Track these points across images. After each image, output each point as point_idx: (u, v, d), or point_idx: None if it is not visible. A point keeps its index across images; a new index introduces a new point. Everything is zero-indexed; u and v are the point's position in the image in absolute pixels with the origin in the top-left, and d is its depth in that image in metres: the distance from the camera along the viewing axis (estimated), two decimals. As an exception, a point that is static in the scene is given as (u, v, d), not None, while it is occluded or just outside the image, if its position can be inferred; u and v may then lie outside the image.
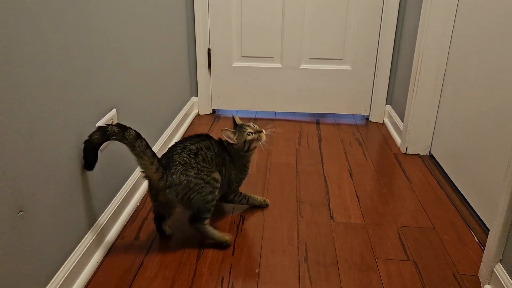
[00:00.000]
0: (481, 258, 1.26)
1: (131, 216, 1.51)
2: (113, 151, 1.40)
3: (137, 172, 1.61)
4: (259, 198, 1.59)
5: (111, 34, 1.36)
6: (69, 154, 1.12)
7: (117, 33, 1.40)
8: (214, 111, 2.59)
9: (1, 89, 0.85)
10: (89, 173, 1.24)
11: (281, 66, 2.43)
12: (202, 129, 2.31)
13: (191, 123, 2.40)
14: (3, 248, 0.89)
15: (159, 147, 1.85)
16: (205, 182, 1.28)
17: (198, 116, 2.52)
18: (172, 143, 2.06)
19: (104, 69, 1.32)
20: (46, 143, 1.02)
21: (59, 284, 1.08)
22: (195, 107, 2.53)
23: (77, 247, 1.19)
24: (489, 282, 1.19)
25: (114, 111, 1.39)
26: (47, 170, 1.02)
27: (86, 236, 1.24)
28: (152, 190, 1.31)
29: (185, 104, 2.36)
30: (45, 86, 1.00)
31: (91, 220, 1.27)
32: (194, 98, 2.51)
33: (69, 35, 1.10)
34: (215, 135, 2.29)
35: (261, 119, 2.49)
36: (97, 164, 1.29)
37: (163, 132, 1.96)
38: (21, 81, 0.91)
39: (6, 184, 0.88)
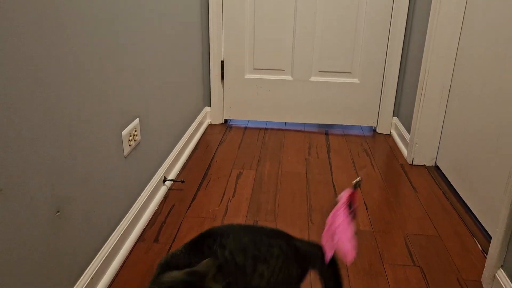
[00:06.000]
0: (484, 264, 1.33)
1: (150, 220, 1.59)
2: (135, 158, 1.48)
3: (155, 179, 1.69)
4: None
5: (136, 49, 1.45)
6: (99, 161, 1.21)
7: (141, 48, 1.50)
8: (226, 121, 2.67)
9: (46, 99, 0.94)
10: (112, 179, 1.32)
11: (292, 79, 2.52)
12: (215, 138, 2.39)
13: (204, 132, 2.49)
14: (44, 244, 0.97)
15: (175, 155, 1.93)
16: None
17: (210, 125, 2.60)
18: (187, 151, 2.16)
19: (130, 81, 1.41)
20: (80, 150, 1.10)
21: (87, 282, 1.16)
22: (208, 116, 2.62)
23: (102, 248, 1.27)
24: (492, 287, 1.25)
25: (137, 120, 1.48)
26: (80, 176, 1.11)
27: (110, 237, 1.32)
28: None
29: (198, 114, 2.45)
30: (82, 98, 1.09)
31: (115, 222, 1.35)
32: (207, 108, 2.60)
33: (103, 51, 1.19)
34: (226, 145, 2.35)
35: (271, 129, 2.57)
36: (120, 171, 1.38)
37: (178, 141, 2.05)
38: (63, 92, 1.00)
39: (47, 186, 0.97)
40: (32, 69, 0.89)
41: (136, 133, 1.47)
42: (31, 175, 0.91)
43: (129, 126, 1.41)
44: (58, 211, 1.01)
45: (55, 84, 0.98)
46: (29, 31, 0.88)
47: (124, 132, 1.37)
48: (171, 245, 1.45)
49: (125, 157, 1.39)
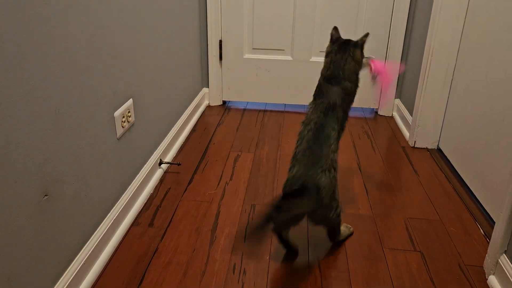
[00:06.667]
0: (487, 249, 1.29)
1: (145, 204, 1.56)
2: (128, 139, 1.44)
3: (151, 162, 1.65)
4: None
5: (130, 27, 1.39)
6: (90, 143, 1.17)
7: (135, 25, 1.44)
8: (224, 102, 2.62)
9: (30, 77, 0.89)
10: (105, 162, 1.28)
11: (292, 59, 2.46)
12: (213, 120, 2.35)
13: (202, 113, 2.44)
14: (32, 229, 0.93)
15: (171, 137, 1.89)
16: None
17: (208, 107, 2.55)
18: (184, 133, 2.11)
19: (123, 59, 1.35)
20: (69, 131, 1.06)
21: (79, 267, 1.13)
22: (206, 98, 2.56)
23: (95, 232, 1.23)
24: (494, 273, 1.22)
25: (130, 101, 1.43)
26: (70, 158, 1.07)
27: (103, 221, 1.28)
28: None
29: (196, 95, 2.40)
30: (70, 75, 1.04)
31: (108, 206, 1.32)
32: (205, 89, 2.54)
33: (94, 25, 1.14)
34: (224, 127, 2.31)
35: (270, 110, 2.52)
36: (112, 153, 1.34)
37: (175, 122, 2.00)
38: (49, 70, 0.95)
39: (34, 169, 0.93)
40: (12, 45, 0.84)
41: (129, 114, 1.42)
42: (15, 156, 0.87)
43: (122, 106, 1.36)
44: (46, 195, 0.97)
45: (40, 62, 0.92)
46: (10, 4, 0.82)
47: (117, 113, 1.33)
48: (166, 229, 1.42)
49: (118, 138, 1.35)
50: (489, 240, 1.32)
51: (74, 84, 1.07)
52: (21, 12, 0.86)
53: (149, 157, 1.66)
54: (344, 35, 2.37)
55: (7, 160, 0.84)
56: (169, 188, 1.66)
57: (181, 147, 2.02)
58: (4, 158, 0.83)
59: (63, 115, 1.03)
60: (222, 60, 2.48)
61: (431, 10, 1.90)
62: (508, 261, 1.17)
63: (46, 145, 0.97)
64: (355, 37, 2.46)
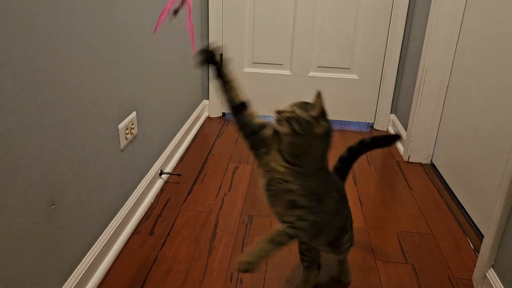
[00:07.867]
0: (475, 263, 1.34)
1: (146, 213, 1.60)
2: (131, 151, 1.49)
3: (152, 172, 1.70)
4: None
5: (134, 41, 1.45)
6: (94, 154, 1.21)
7: (139, 40, 1.49)
8: (224, 114, 2.67)
9: (40, 92, 0.94)
10: (108, 172, 1.33)
11: (290, 73, 2.52)
12: (212, 132, 2.40)
13: (201, 125, 2.49)
14: (38, 237, 0.98)
15: (172, 148, 1.94)
16: None
17: (208, 118, 2.61)
18: (184, 144, 2.16)
19: (128, 72, 1.41)
20: (76, 142, 1.11)
21: (81, 274, 1.17)
22: (206, 110, 2.62)
23: (97, 240, 1.28)
24: (482, 286, 1.27)
25: (134, 113, 1.48)
26: (75, 168, 1.12)
27: (105, 230, 1.32)
28: None
29: (196, 107, 2.45)
30: (78, 89, 1.09)
31: (110, 215, 1.36)
32: (205, 101, 2.60)
33: (100, 42, 1.19)
34: (224, 139, 2.34)
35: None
36: (116, 164, 1.38)
37: (176, 134, 2.05)
38: (57, 83, 1.01)
39: (42, 179, 0.97)
40: (24, 61, 0.89)
41: (133, 126, 1.47)
42: (25, 167, 0.91)
43: (126, 119, 1.41)
44: (53, 204, 1.02)
45: (49, 77, 0.98)
46: (21, 20, 0.88)
47: (121, 126, 1.38)
48: (166, 238, 1.46)
49: (121, 150, 1.40)
50: (478, 254, 1.37)
51: (81, 98, 1.12)
52: (31, 28, 0.91)
53: (150, 167, 1.71)
54: (341, 52, 2.44)
55: (18, 170, 0.89)
56: (169, 198, 1.71)
57: (181, 158, 2.06)
58: (16, 168, 0.88)
59: (70, 128, 1.08)
60: (223, 73, 2.54)
61: (426, 29, 1.97)
62: (495, 275, 1.22)
63: (53, 156, 1.01)
64: (353, 54, 2.52)
